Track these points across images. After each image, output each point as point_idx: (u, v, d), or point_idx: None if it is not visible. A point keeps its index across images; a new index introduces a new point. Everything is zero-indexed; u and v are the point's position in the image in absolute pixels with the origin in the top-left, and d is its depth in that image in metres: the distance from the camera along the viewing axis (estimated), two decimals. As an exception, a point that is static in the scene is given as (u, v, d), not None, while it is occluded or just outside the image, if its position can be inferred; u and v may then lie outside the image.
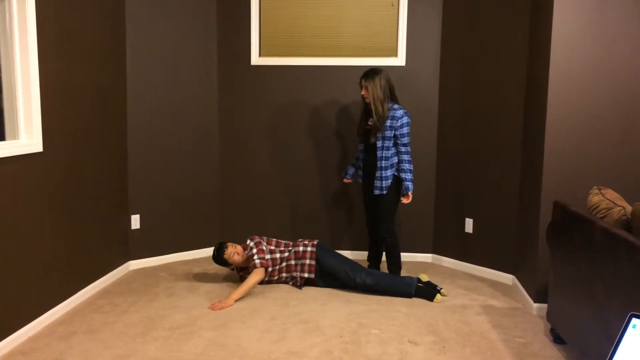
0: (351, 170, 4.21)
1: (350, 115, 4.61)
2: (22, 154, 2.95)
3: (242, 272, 4.03)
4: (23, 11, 2.95)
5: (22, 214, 2.98)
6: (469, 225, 4.36)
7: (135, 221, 4.33)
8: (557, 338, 3.08)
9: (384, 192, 3.86)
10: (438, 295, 3.72)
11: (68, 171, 3.43)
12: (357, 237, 4.72)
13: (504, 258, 4.16)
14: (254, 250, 3.85)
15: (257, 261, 3.80)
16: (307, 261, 3.91)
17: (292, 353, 2.91)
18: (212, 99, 4.66)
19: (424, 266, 4.52)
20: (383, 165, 3.84)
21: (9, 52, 2.98)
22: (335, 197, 4.71)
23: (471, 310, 3.56)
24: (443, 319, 3.41)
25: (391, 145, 3.83)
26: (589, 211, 2.79)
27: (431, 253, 4.69)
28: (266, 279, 3.93)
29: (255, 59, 4.62)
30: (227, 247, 3.88)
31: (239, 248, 3.93)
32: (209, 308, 3.54)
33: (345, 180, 4.25)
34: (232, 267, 4.04)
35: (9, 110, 3.02)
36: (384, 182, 3.85)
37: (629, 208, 2.53)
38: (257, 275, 3.76)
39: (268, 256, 3.90)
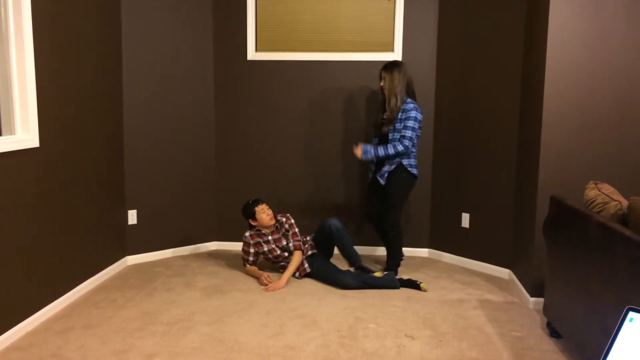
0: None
1: (347, 110, 4.61)
2: (18, 149, 2.94)
3: (254, 231, 4.06)
4: (18, 6, 2.93)
5: (18, 209, 2.97)
6: (465, 220, 4.37)
7: (132, 216, 4.33)
8: (554, 332, 3.09)
9: (386, 181, 3.90)
10: (423, 285, 3.80)
11: (65, 166, 3.42)
12: (359, 231, 4.72)
13: (501, 252, 4.17)
14: (297, 230, 4.08)
15: (299, 243, 4.05)
16: (308, 239, 4.19)
17: (290, 348, 2.91)
18: (208, 94, 4.65)
19: (420, 261, 4.53)
20: (392, 152, 3.88)
21: (5, 48, 2.96)
22: (333, 192, 4.71)
23: (468, 305, 3.57)
24: (440, 313, 3.42)
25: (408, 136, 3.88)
26: (585, 206, 2.80)
27: (428, 248, 4.70)
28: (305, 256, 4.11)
29: (252, 54, 4.60)
30: (262, 202, 4.02)
31: (271, 212, 4.04)
32: (264, 290, 3.78)
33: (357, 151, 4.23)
34: (254, 223, 4.04)
35: (5, 106, 3.01)
36: (394, 167, 3.89)
37: (625, 202, 2.54)
38: (298, 256, 4.00)
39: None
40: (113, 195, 4.08)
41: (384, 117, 3.94)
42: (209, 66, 4.63)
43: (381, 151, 3.84)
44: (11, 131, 3.03)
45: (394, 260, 4.07)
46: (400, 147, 3.81)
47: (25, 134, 3.05)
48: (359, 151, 3.89)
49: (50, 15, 3.20)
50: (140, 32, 4.20)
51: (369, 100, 4.57)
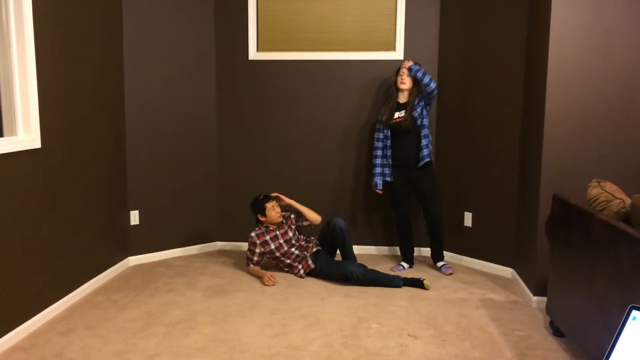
0: (379, 180, 4.23)
1: (349, 109, 4.60)
2: (20, 150, 2.94)
3: (261, 230, 4.12)
4: (20, 7, 2.93)
5: (20, 210, 2.97)
6: (468, 219, 4.36)
7: (134, 217, 4.33)
8: (557, 331, 3.08)
9: (430, 158, 4.09)
10: (426, 281, 3.82)
11: (66, 167, 3.42)
12: (361, 230, 4.72)
13: (503, 251, 4.16)
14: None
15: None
16: (313, 238, 4.23)
17: (293, 347, 2.91)
18: (210, 94, 4.65)
19: (423, 260, 4.53)
20: (425, 133, 4.09)
21: (6, 48, 2.96)
22: (336, 191, 4.71)
23: (470, 304, 3.57)
24: (442, 312, 3.42)
25: (426, 116, 4.10)
26: (588, 204, 2.79)
27: (424, 247, 4.68)
28: (314, 248, 4.16)
29: (253, 54, 4.60)
30: (272, 199, 4.10)
31: (279, 209, 4.14)
32: (271, 284, 3.86)
33: (379, 191, 4.26)
34: (262, 219, 4.11)
35: (7, 107, 3.01)
36: (430, 147, 4.08)
37: (628, 201, 2.53)
38: (318, 216, 4.18)
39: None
40: (115, 196, 4.08)
41: (400, 116, 4.09)
42: (211, 66, 4.63)
43: (426, 76, 4.01)
44: (13, 132, 3.03)
45: (442, 249, 4.28)
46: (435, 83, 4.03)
47: (26, 135, 3.05)
48: (408, 63, 4.07)
49: (51, 15, 3.20)
50: (141, 33, 4.20)
51: (371, 99, 4.57)
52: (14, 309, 2.96)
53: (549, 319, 3.30)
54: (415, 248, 4.61)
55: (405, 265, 4.30)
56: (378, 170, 4.23)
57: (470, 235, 4.37)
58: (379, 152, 4.22)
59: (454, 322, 3.28)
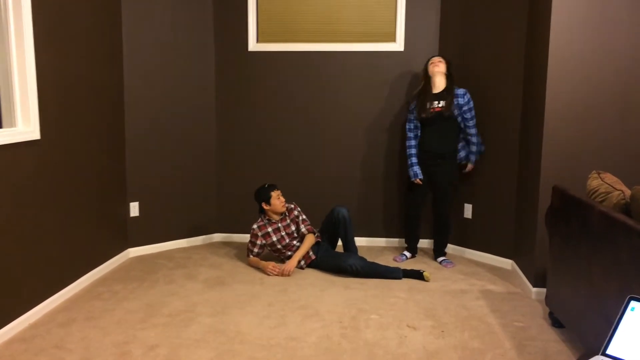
0: (418, 169, 4.12)
1: (348, 101, 4.59)
2: (19, 142, 2.93)
3: (264, 221, 4.13)
4: (17, -3, 2.92)
5: (20, 201, 2.97)
6: (467, 210, 4.36)
7: (134, 209, 4.33)
8: (556, 322, 3.09)
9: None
10: (426, 273, 3.82)
11: (66, 159, 3.41)
12: (362, 225, 4.72)
13: (503, 243, 4.17)
14: (304, 216, 4.20)
15: (311, 227, 4.16)
16: (316, 232, 4.21)
17: (292, 338, 2.92)
18: (209, 85, 4.64)
19: (423, 252, 4.53)
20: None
21: (5, 40, 2.95)
22: (334, 183, 4.71)
23: (470, 295, 3.57)
24: (442, 303, 3.42)
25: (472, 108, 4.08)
26: (587, 195, 2.78)
27: (430, 239, 4.69)
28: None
29: (253, 45, 4.58)
30: (277, 189, 4.09)
31: (283, 199, 4.13)
32: (276, 274, 3.90)
33: (419, 181, 4.12)
34: (266, 207, 4.08)
35: (5, 98, 3.00)
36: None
37: (627, 192, 2.53)
38: (311, 238, 4.07)
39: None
40: (115, 188, 4.08)
41: (440, 105, 4.00)
42: (210, 57, 4.61)
43: (478, 144, 4.13)
44: (12, 123, 3.03)
45: (445, 245, 4.30)
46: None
47: (25, 126, 3.05)
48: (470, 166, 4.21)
49: (50, 6, 3.19)
50: (140, 23, 4.18)
51: (370, 91, 4.56)
52: (14, 300, 2.96)
53: (548, 310, 3.31)
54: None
55: (408, 254, 4.30)
56: (415, 159, 4.12)
57: (470, 227, 4.37)
58: (413, 142, 4.13)
59: (454, 313, 3.28)
